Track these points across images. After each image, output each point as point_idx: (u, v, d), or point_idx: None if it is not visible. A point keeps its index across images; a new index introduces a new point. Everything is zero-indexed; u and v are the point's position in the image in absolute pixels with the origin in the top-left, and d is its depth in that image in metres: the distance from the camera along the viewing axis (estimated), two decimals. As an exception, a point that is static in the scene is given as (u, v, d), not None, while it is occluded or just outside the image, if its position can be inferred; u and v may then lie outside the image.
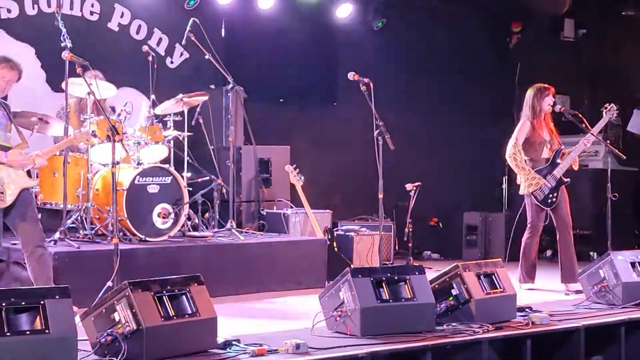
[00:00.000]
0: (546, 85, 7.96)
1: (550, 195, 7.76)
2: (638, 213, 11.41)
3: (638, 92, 12.03)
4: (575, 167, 7.96)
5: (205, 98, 8.54)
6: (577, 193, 10.61)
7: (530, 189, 7.74)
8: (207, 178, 8.49)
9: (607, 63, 12.45)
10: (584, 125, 7.97)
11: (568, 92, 12.06)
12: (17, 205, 6.00)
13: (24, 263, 6.48)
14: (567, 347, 5.79)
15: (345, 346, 4.97)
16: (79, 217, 7.51)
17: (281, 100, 10.64)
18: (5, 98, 6.22)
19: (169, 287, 4.81)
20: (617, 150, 8.36)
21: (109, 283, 5.85)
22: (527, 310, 6.04)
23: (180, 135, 8.31)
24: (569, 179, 7.85)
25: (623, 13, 12.14)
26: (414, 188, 8.93)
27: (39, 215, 6.45)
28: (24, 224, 6.05)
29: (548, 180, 7.74)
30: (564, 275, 7.82)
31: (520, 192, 7.89)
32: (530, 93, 7.94)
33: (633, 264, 6.75)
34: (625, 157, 8.61)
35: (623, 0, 11.88)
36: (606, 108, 7.95)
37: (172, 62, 9.85)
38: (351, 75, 7.12)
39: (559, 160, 7.81)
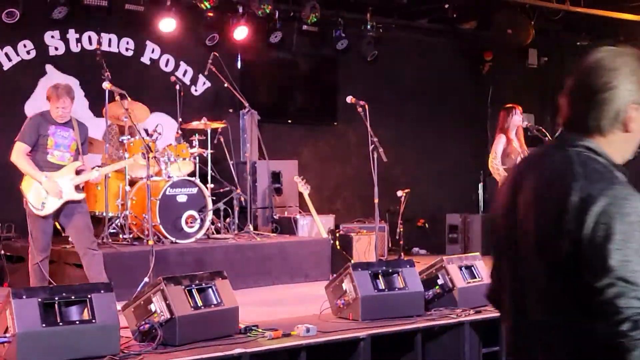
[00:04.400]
0: (514, 104, 7.95)
1: None
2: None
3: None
4: None
5: (224, 125, 8.55)
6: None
7: None
8: (228, 188, 8.47)
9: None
10: (547, 138, 7.95)
11: (533, 111, 12.04)
12: (65, 213, 6.01)
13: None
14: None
15: (348, 329, 4.96)
16: (119, 224, 7.50)
17: (289, 121, 10.63)
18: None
19: (197, 281, 4.79)
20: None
21: (146, 279, 5.82)
22: (502, 296, 6.02)
23: (204, 152, 8.30)
24: None
25: (578, 43, 12.16)
26: (404, 194, 8.91)
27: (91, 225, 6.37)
28: (73, 230, 6.07)
29: None
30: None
31: None
32: (501, 113, 7.95)
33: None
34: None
35: (578, 32, 11.90)
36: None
37: (196, 90, 9.84)
38: (349, 99, 7.09)
39: None
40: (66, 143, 6.03)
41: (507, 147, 7.83)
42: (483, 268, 5.99)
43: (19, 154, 5.92)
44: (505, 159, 7.83)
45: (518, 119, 7.85)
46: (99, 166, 6.87)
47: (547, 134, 7.98)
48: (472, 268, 5.89)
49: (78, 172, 6.06)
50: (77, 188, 6.06)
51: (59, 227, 6.34)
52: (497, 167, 7.78)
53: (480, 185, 11.67)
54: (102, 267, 6.10)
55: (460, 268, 5.77)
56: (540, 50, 12.31)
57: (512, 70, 12.33)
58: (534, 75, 12.54)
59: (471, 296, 5.66)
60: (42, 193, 5.90)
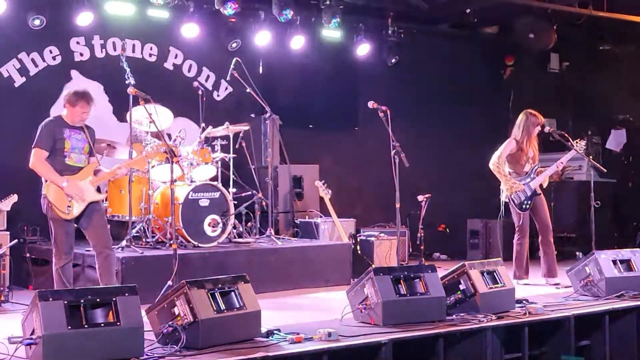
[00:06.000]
0: (536, 113, 7.90)
1: (525, 202, 7.72)
2: (616, 218, 11.28)
3: (615, 115, 11.93)
4: (544, 185, 7.87)
5: (247, 128, 8.57)
6: (564, 201, 10.55)
7: (509, 192, 7.72)
8: (249, 193, 8.51)
9: (587, 90, 12.36)
10: (569, 143, 7.90)
11: (554, 115, 11.98)
12: (85, 214, 6.08)
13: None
14: (559, 333, 5.74)
15: (370, 334, 4.97)
16: (142, 227, 7.55)
17: (310, 126, 10.65)
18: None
19: (219, 285, 4.82)
20: (598, 165, 8.28)
21: (169, 282, 5.85)
22: (524, 302, 6.00)
23: (226, 156, 8.34)
24: (541, 193, 7.79)
25: (600, 48, 12.08)
26: (425, 199, 8.90)
27: (109, 225, 6.49)
28: (92, 229, 6.12)
29: (525, 188, 7.70)
30: (547, 270, 7.74)
31: (502, 199, 7.85)
32: (522, 117, 7.90)
33: (614, 262, 6.68)
34: (605, 170, 8.53)
35: (600, 37, 11.82)
36: (577, 143, 7.86)
37: (218, 95, 9.90)
38: (371, 104, 7.10)
39: (533, 176, 7.77)
40: (80, 146, 6.12)
41: (517, 152, 7.80)
42: (505, 273, 5.98)
43: (38, 160, 5.99)
44: (514, 163, 7.80)
45: (535, 128, 7.79)
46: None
47: (570, 139, 7.94)
48: (494, 273, 5.87)
49: (95, 173, 6.15)
50: (98, 188, 6.15)
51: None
52: (498, 164, 7.74)
53: (502, 190, 11.58)
54: (114, 269, 6.20)
55: (482, 273, 5.75)
56: (562, 55, 12.25)
57: (534, 75, 12.27)
58: (556, 80, 12.47)
59: (493, 302, 5.66)
60: (66, 197, 5.96)
